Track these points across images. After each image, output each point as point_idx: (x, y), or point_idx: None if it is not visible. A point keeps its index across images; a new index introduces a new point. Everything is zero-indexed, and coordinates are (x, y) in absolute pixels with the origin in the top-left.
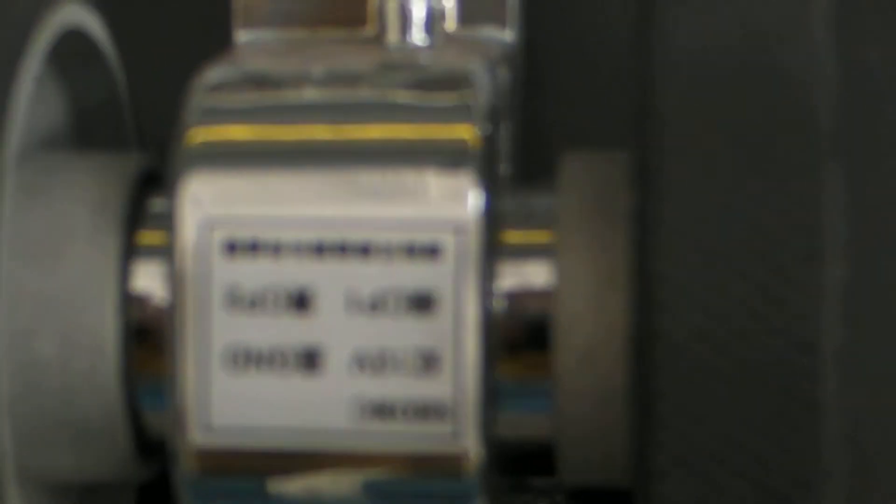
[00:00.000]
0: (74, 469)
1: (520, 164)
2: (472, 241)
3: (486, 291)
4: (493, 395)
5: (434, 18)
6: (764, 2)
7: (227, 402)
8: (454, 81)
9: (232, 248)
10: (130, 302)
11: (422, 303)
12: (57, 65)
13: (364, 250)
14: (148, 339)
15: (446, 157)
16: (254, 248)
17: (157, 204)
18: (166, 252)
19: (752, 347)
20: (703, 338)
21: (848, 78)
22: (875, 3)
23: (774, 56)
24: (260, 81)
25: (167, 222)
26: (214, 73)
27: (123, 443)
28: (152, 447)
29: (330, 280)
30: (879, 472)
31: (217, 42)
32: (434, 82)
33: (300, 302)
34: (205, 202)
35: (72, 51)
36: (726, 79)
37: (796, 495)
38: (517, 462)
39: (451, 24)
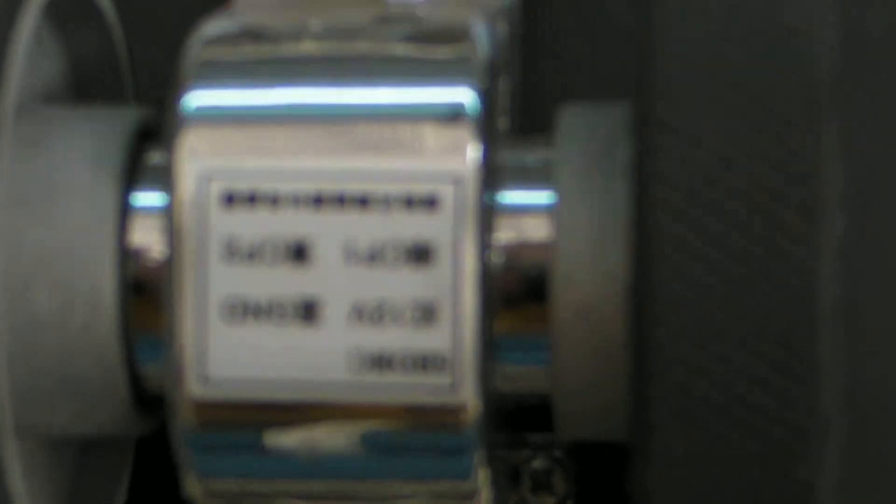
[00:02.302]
0: (73, 423)
1: (519, 119)
2: (471, 192)
3: (484, 243)
4: (491, 348)
5: None
6: None
7: (225, 354)
8: (453, 35)
9: (229, 199)
10: (128, 255)
11: (420, 254)
12: (54, 19)
13: (362, 202)
14: (146, 292)
15: (445, 110)
16: (252, 199)
17: (154, 157)
18: (164, 205)
19: (752, 300)
20: (701, 290)
21: (848, 36)
22: None
23: (775, 10)
24: (257, 35)
25: (165, 176)
26: (212, 28)
27: (122, 396)
28: (150, 401)
29: (328, 231)
30: (878, 424)
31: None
32: (432, 36)
33: (298, 253)
34: (202, 154)
35: (69, 6)
36: (726, 32)
37: (795, 445)
38: (515, 417)
39: None
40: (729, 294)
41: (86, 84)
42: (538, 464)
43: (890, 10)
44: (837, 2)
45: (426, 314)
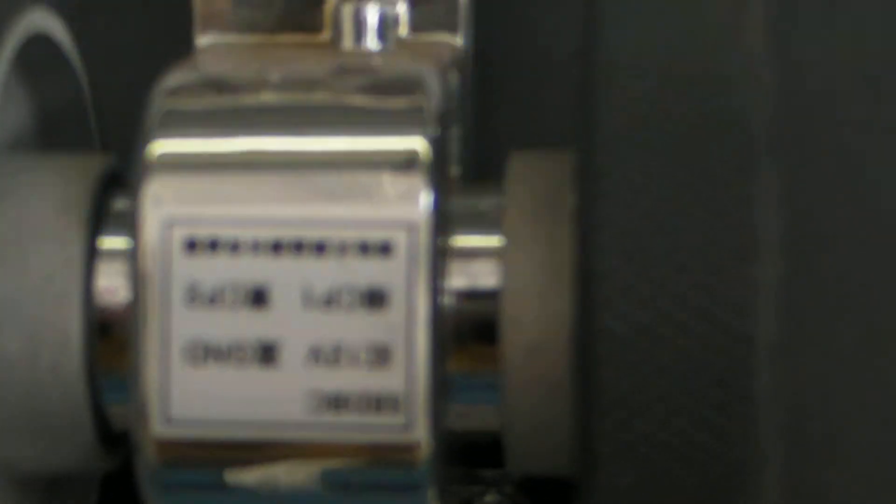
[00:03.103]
0: (40, 461)
1: (471, 166)
2: (423, 239)
3: (436, 288)
4: (443, 388)
5: (387, 24)
6: (703, 10)
7: (187, 395)
8: (406, 86)
9: (192, 246)
10: (94, 299)
11: (375, 298)
12: (23, 69)
13: (319, 248)
14: (111, 334)
15: (398, 159)
16: (213, 246)
17: (120, 204)
18: (129, 250)
19: (692, 341)
20: (644, 333)
21: (784, 81)
22: (812, 6)
23: (712, 61)
24: (219, 86)
25: (130, 222)
26: (175, 78)
27: (87, 435)
28: (115, 439)
29: (286, 277)
30: (815, 456)
31: (179, 46)
32: (387, 87)
33: (258, 298)
34: (166, 202)
35: (37, 55)
36: (665, 83)
37: (735, 481)
38: (467, 453)
39: (403, 29)
40: (670, 336)
41: (53, 131)
42: (490, 498)
43: (826, 52)
44: (773, 53)
45: (380, 356)
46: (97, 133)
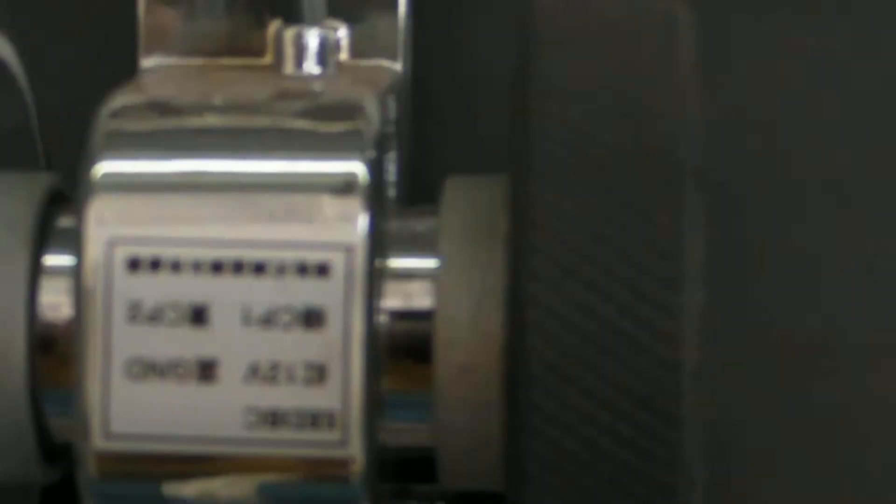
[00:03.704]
0: None
1: (406, 190)
2: (360, 261)
3: (372, 308)
4: (377, 406)
5: (328, 49)
6: (636, 42)
7: (127, 411)
8: (346, 110)
9: (134, 264)
10: (38, 314)
11: (312, 318)
12: None
13: (259, 268)
14: (54, 350)
15: (337, 182)
16: (155, 265)
17: (64, 221)
18: (73, 268)
19: (619, 365)
20: (572, 356)
21: (712, 112)
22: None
23: (643, 94)
24: (163, 108)
25: (74, 240)
26: (120, 99)
27: (29, 447)
28: (57, 451)
29: (226, 296)
30: (739, 469)
31: (123, 68)
32: (326, 111)
33: (197, 316)
34: (109, 222)
35: None
36: (597, 114)
37: (659, 500)
38: (400, 469)
39: (343, 55)
40: (598, 359)
41: None
42: None
43: (762, 92)
44: (703, 85)
45: (317, 374)
46: (42, 154)
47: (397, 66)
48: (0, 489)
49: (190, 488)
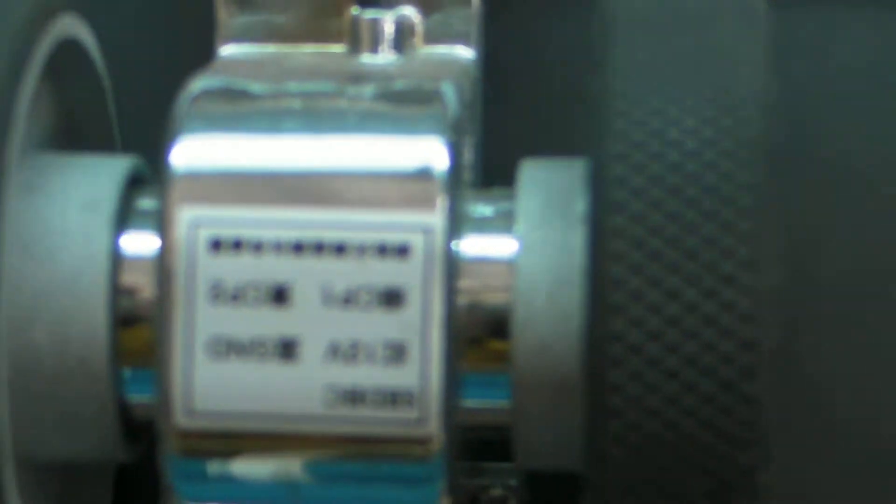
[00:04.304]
0: (64, 449)
1: (482, 172)
2: (439, 242)
3: (450, 288)
4: (456, 385)
5: (403, 35)
6: (713, 32)
7: (210, 389)
8: (424, 94)
9: (217, 245)
10: (120, 294)
11: (392, 298)
12: (52, 73)
13: (339, 249)
14: (135, 329)
15: (417, 164)
16: (237, 245)
17: (144, 203)
18: (155, 249)
19: (700, 347)
20: (655, 338)
21: (785, 98)
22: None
23: (718, 79)
24: (242, 92)
25: (155, 220)
26: (199, 84)
27: (110, 426)
28: (136, 431)
29: (307, 276)
30: (815, 459)
31: (200, 55)
32: (405, 94)
33: (279, 296)
34: (191, 203)
35: (66, 60)
36: (676, 97)
37: (740, 482)
38: (476, 447)
39: (418, 40)
40: (680, 341)
41: (77, 133)
42: (496, 492)
43: (824, 75)
44: (776, 71)
45: (396, 353)
46: (118, 137)
47: (470, 52)
48: (78, 467)
49: (270, 466)
